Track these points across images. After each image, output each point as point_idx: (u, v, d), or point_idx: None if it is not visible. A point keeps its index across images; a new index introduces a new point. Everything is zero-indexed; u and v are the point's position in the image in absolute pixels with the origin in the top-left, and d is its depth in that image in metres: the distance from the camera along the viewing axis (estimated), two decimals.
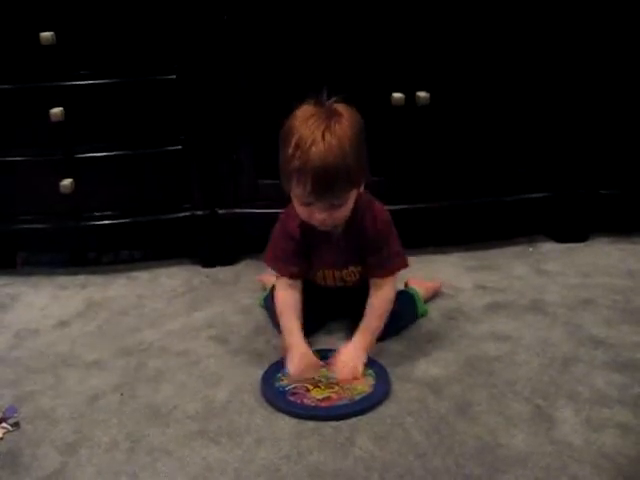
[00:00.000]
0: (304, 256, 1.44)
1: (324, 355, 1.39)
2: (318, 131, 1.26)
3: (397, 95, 1.73)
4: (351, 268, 1.45)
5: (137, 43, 1.70)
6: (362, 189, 1.36)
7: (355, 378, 1.33)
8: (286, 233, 1.43)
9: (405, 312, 1.52)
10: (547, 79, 1.79)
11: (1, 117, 1.74)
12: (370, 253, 1.41)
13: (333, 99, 1.32)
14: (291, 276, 1.43)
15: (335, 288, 1.49)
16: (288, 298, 1.43)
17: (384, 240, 1.41)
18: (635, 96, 1.81)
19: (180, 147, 1.79)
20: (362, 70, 1.71)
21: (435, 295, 1.65)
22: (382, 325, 1.42)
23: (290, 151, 1.27)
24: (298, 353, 1.36)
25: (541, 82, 1.79)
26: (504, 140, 1.83)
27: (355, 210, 1.37)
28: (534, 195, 1.88)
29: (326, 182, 1.25)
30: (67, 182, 1.75)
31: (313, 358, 1.37)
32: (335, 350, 1.39)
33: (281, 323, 1.42)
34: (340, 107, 1.31)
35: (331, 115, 1.29)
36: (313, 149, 1.24)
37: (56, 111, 1.70)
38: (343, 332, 1.50)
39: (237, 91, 1.75)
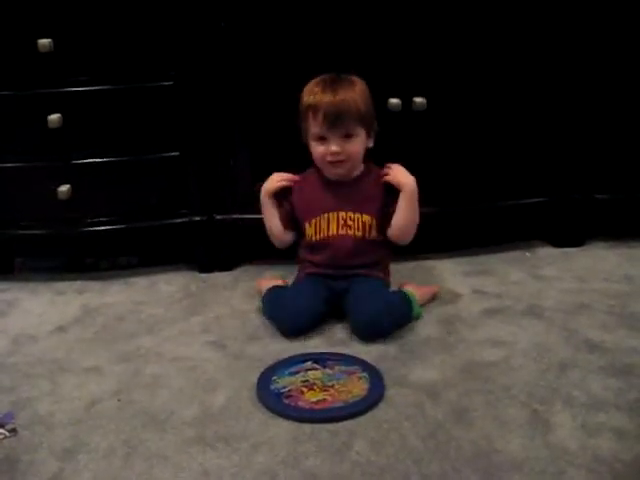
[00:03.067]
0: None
1: (322, 358, 1.41)
2: (329, 79, 1.52)
3: (394, 100, 1.73)
4: (357, 214, 1.56)
5: (134, 50, 1.71)
6: (371, 144, 1.56)
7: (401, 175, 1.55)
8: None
9: (401, 308, 1.54)
10: (542, 85, 1.80)
11: None
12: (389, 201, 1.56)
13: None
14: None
15: (339, 242, 1.57)
16: None
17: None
18: (629, 102, 1.82)
19: (177, 153, 1.79)
20: (359, 75, 1.71)
21: (431, 300, 1.65)
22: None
23: (305, 96, 1.52)
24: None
25: (536, 88, 1.80)
26: (500, 145, 1.83)
27: (365, 167, 1.58)
28: (530, 200, 1.89)
29: (337, 113, 1.47)
30: (65, 188, 1.75)
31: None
32: (330, 352, 1.44)
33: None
34: (350, 76, 1.55)
35: (340, 75, 1.54)
36: (325, 89, 1.50)
37: (54, 117, 1.70)
38: (343, 334, 1.52)
39: (234, 97, 1.76)
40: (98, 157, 1.78)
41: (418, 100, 1.73)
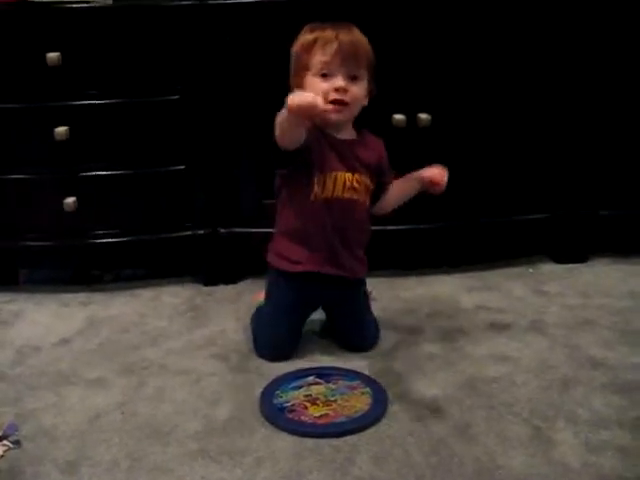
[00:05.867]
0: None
1: (325, 373, 1.41)
2: (333, 22, 1.41)
3: (398, 117, 1.75)
4: (363, 177, 1.46)
5: (141, 64, 1.73)
6: (366, 102, 1.45)
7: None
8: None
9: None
10: (547, 102, 1.81)
11: (7, 135, 1.76)
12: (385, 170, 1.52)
13: None
14: None
15: (342, 204, 1.44)
16: None
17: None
18: (633, 118, 1.83)
19: (183, 167, 1.80)
20: None
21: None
22: None
23: (308, 33, 1.42)
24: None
25: (541, 105, 1.81)
26: (504, 162, 1.84)
27: (358, 132, 1.49)
28: (534, 216, 1.90)
29: (353, 48, 1.39)
30: (70, 200, 1.76)
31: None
32: (333, 367, 1.45)
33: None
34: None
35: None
36: (336, 27, 1.40)
37: (61, 130, 1.72)
38: (346, 349, 1.52)
39: (240, 111, 1.77)
40: (104, 170, 1.79)
41: (423, 116, 1.74)
